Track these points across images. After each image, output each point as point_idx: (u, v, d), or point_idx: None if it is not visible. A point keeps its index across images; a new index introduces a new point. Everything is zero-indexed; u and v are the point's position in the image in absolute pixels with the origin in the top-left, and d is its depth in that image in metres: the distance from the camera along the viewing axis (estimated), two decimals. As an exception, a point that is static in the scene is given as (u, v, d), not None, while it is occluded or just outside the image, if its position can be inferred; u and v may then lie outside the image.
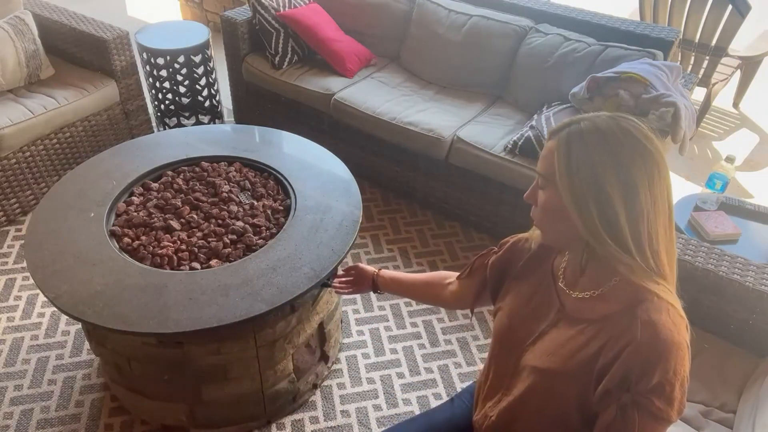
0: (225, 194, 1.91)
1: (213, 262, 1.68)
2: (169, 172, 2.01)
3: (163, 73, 2.96)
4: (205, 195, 1.93)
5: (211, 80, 3.06)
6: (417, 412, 1.95)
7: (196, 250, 1.72)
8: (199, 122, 3.17)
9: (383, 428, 1.42)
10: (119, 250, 1.70)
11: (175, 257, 1.68)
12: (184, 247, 1.73)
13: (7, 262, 2.44)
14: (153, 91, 3.04)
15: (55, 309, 2.13)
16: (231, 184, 1.96)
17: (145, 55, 2.90)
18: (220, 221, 1.82)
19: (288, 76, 2.85)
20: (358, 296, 2.35)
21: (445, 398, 1.80)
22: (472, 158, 2.44)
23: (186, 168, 2.04)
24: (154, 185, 1.96)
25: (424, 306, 2.32)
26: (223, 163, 2.07)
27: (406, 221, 2.75)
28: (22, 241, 2.52)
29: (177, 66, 2.92)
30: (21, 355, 2.08)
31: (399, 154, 2.67)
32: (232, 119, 3.34)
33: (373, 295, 2.35)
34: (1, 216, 2.57)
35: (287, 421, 1.92)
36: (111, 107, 2.82)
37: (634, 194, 0.87)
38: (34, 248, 1.68)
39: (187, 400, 1.76)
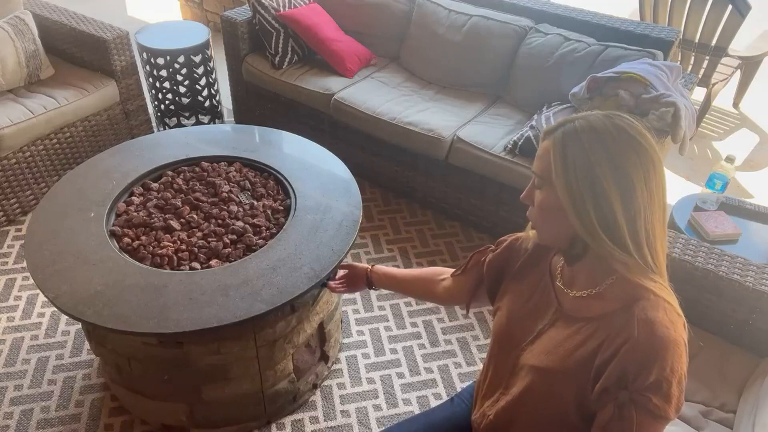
0: (225, 194, 1.91)
1: (213, 262, 1.68)
2: (169, 172, 2.01)
3: (163, 73, 2.96)
4: (205, 195, 1.93)
5: (211, 80, 3.06)
6: (417, 412, 1.95)
7: (196, 250, 1.72)
8: (199, 122, 3.17)
9: (383, 428, 1.42)
10: (119, 250, 1.70)
11: (175, 257, 1.68)
12: (184, 247, 1.73)
13: (7, 262, 2.44)
14: (153, 91, 3.04)
15: (55, 309, 2.13)
16: (231, 184, 1.96)
17: (145, 55, 2.90)
18: (220, 221, 1.82)
19: (288, 76, 2.85)
20: (358, 296, 2.35)
21: (445, 398, 1.80)
22: (472, 158, 2.44)
23: (186, 168, 2.04)
24: (154, 185, 1.96)
25: (424, 306, 2.32)
26: (223, 163, 2.07)
27: (406, 221, 2.75)
28: (22, 241, 2.52)
29: (177, 66, 2.92)
30: (21, 355, 2.08)
31: (399, 154, 2.67)
32: (232, 119, 3.34)
33: (373, 295, 2.35)
34: (1, 216, 2.57)
35: (287, 421, 1.92)
36: (111, 107, 2.82)
37: (631, 190, 0.87)
38: (34, 248, 1.68)
39: (187, 400, 1.76)
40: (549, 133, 0.94)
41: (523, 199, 1.01)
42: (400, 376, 2.07)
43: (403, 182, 2.78)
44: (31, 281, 2.31)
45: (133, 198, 1.90)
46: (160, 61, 2.91)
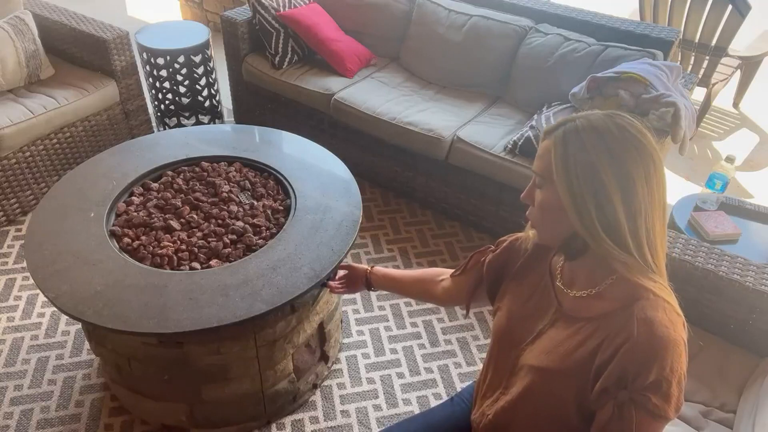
0: (225, 194, 1.91)
1: (213, 262, 1.68)
2: (169, 172, 2.01)
3: (163, 73, 2.96)
4: (205, 195, 1.93)
5: (211, 80, 3.06)
6: (417, 412, 1.94)
7: (196, 250, 1.72)
8: (199, 122, 3.17)
9: (383, 428, 1.42)
10: (119, 250, 1.70)
11: (175, 257, 1.68)
12: (184, 247, 1.73)
13: (7, 262, 2.44)
14: (153, 91, 3.04)
15: (55, 309, 2.13)
16: (231, 184, 1.96)
17: (145, 55, 2.90)
18: (220, 221, 1.82)
19: (288, 76, 2.85)
20: (358, 296, 2.35)
21: (445, 398, 1.80)
22: (472, 158, 2.44)
23: (186, 168, 2.04)
24: (154, 185, 1.96)
25: (424, 306, 2.32)
26: (223, 163, 2.07)
27: (406, 221, 2.75)
28: (22, 241, 2.52)
29: (177, 66, 2.92)
30: (21, 355, 2.08)
31: (399, 154, 2.67)
32: (232, 119, 3.34)
33: (373, 295, 2.35)
34: (1, 216, 2.57)
35: (287, 421, 1.92)
36: (111, 107, 2.82)
37: (632, 189, 0.87)
38: (34, 248, 1.68)
39: (187, 400, 1.76)
40: (549, 133, 0.94)
41: (524, 198, 1.01)
42: (400, 376, 2.07)
43: (403, 182, 2.78)
44: (31, 281, 2.31)
45: (133, 198, 1.90)
46: (160, 61, 2.91)
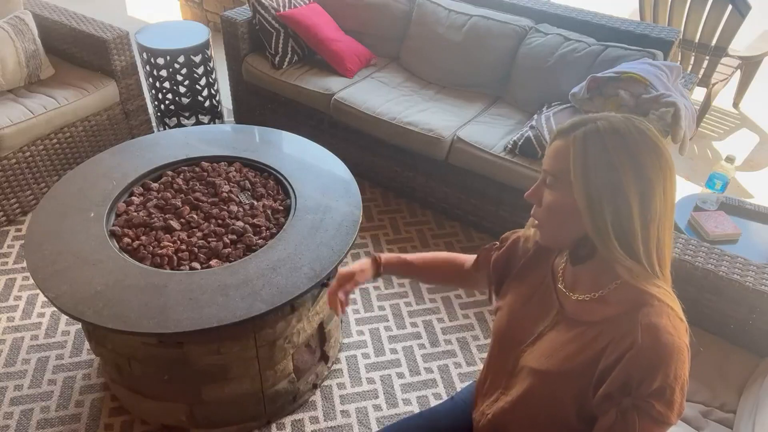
0: (225, 194, 1.91)
1: (213, 262, 1.68)
2: (169, 172, 2.01)
3: (163, 73, 2.96)
4: (205, 195, 1.93)
5: (211, 80, 3.06)
6: (417, 412, 1.94)
7: (196, 250, 1.72)
8: (199, 122, 3.17)
9: (383, 427, 1.42)
10: (119, 250, 1.70)
11: (175, 257, 1.68)
12: (184, 247, 1.73)
13: (7, 262, 2.44)
14: (153, 91, 3.04)
15: (55, 309, 2.13)
16: (231, 184, 1.96)
17: (145, 55, 2.90)
18: (220, 221, 1.82)
19: (288, 76, 2.85)
20: (358, 296, 2.35)
21: (445, 398, 1.80)
22: (472, 158, 2.44)
23: (186, 168, 2.04)
24: (154, 185, 1.96)
25: (424, 306, 2.32)
26: (223, 163, 2.07)
27: (406, 221, 2.75)
28: (22, 241, 2.52)
29: (177, 66, 2.92)
30: (21, 355, 2.08)
31: (399, 154, 2.67)
32: (232, 119, 3.34)
33: (373, 295, 2.35)
34: (1, 216, 2.57)
35: (287, 421, 1.92)
36: (111, 107, 2.82)
37: (650, 197, 0.86)
38: (34, 248, 1.68)
39: (187, 400, 1.76)
40: (566, 133, 0.91)
41: (529, 197, 0.98)
42: (400, 376, 2.07)
43: (403, 182, 2.78)
44: (31, 281, 2.31)
45: (133, 198, 1.90)
46: (160, 61, 2.91)
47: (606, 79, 2.21)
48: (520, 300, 1.10)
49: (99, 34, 2.70)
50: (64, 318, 2.21)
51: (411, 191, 2.79)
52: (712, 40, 3.11)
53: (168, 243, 1.73)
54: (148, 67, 2.94)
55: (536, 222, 0.99)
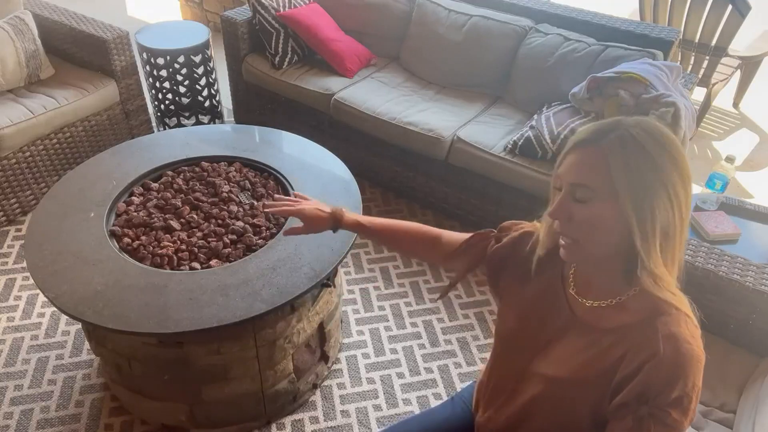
0: (225, 194, 1.91)
1: (213, 262, 1.68)
2: (169, 172, 2.01)
3: (163, 73, 2.96)
4: (205, 195, 1.93)
5: (211, 80, 3.06)
6: (417, 412, 1.94)
7: (196, 250, 1.72)
8: (199, 122, 3.17)
9: (383, 428, 1.42)
10: (119, 250, 1.70)
11: (175, 257, 1.68)
12: (184, 247, 1.73)
13: (7, 262, 2.44)
14: (153, 91, 3.04)
15: (55, 309, 2.13)
16: (231, 184, 1.96)
17: (145, 55, 2.90)
18: (220, 221, 1.82)
19: (288, 76, 2.85)
20: (358, 296, 2.35)
21: (445, 398, 1.80)
22: (472, 158, 2.44)
23: (186, 168, 2.04)
24: (154, 185, 1.96)
25: (424, 306, 2.32)
26: (223, 163, 2.07)
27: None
28: (22, 241, 2.52)
29: (177, 66, 2.92)
30: (21, 355, 2.08)
31: (399, 154, 2.67)
32: (232, 119, 3.34)
33: (373, 295, 2.35)
34: (1, 216, 2.57)
35: (287, 421, 1.92)
36: (111, 107, 2.82)
37: (687, 202, 0.85)
38: (34, 248, 1.68)
39: (187, 400, 1.76)
40: (593, 141, 0.86)
41: (555, 215, 0.90)
42: (400, 376, 2.07)
43: (403, 182, 2.78)
44: (31, 281, 2.31)
45: (133, 198, 1.90)
46: (160, 61, 2.91)
47: (606, 79, 2.21)
48: (527, 303, 1.07)
49: (99, 34, 2.70)
50: (64, 318, 2.21)
51: (411, 191, 2.79)
52: (712, 40, 3.11)
53: (168, 243, 1.73)
54: (148, 67, 2.94)
55: (568, 239, 0.91)
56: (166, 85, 2.99)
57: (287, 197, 1.34)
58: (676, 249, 0.87)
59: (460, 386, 2.03)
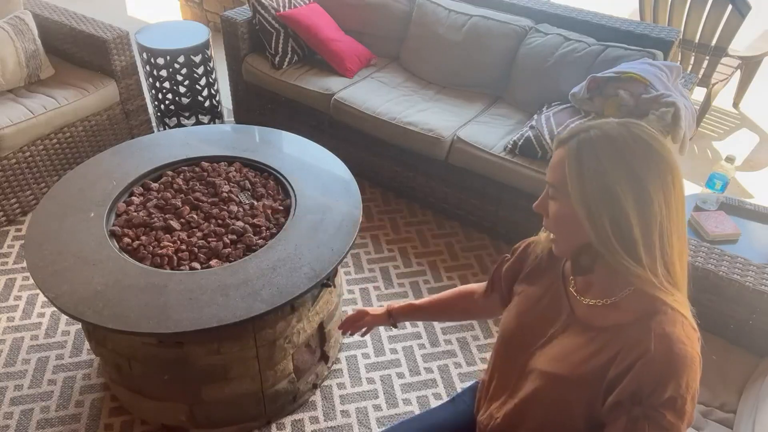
0: (225, 194, 1.91)
1: (213, 262, 1.68)
2: (169, 172, 2.01)
3: (163, 73, 2.96)
4: (205, 195, 1.93)
5: (211, 80, 3.06)
6: (417, 412, 1.95)
7: (196, 250, 1.72)
8: (199, 122, 3.17)
9: (383, 428, 1.42)
10: (119, 250, 1.70)
11: (175, 257, 1.68)
12: (184, 247, 1.73)
13: (7, 262, 2.44)
14: (153, 91, 3.04)
15: (55, 309, 2.13)
16: (231, 184, 1.96)
17: (145, 55, 2.90)
18: (220, 221, 1.82)
19: (288, 76, 2.85)
20: (358, 296, 2.35)
21: (445, 398, 1.80)
22: (472, 158, 2.44)
23: (186, 168, 2.04)
24: (154, 185, 1.96)
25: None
26: (223, 163, 2.07)
27: (406, 221, 2.75)
28: (22, 241, 2.52)
29: (177, 66, 2.92)
30: (21, 355, 2.08)
31: (399, 154, 2.67)
32: (232, 119, 3.34)
33: (373, 295, 2.35)
34: (1, 216, 2.57)
35: (287, 421, 1.92)
36: (111, 107, 2.82)
37: (648, 203, 0.85)
38: (34, 248, 1.68)
39: (187, 400, 1.76)
40: (563, 142, 0.91)
41: (537, 208, 0.98)
42: (400, 376, 2.07)
43: (403, 182, 2.78)
44: (31, 281, 2.31)
45: (133, 198, 1.90)
46: (160, 61, 2.91)
47: (606, 79, 2.21)
48: (530, 302, 1.09)
49: (99, 34, 2.70)
50: (64, 318, 2.21)
51: (411, 191, 2.79)
52: (712, 40, 3.11)
53: (168, 243, 1.73)
54: (148, 67, 2.94)
55: (551, 234, 0.99)
56: (166, 85, 2.99)
57: (349, 317, 1.46)
58: (654, 251, 0.86)
59: (460, 386, 2.04)
